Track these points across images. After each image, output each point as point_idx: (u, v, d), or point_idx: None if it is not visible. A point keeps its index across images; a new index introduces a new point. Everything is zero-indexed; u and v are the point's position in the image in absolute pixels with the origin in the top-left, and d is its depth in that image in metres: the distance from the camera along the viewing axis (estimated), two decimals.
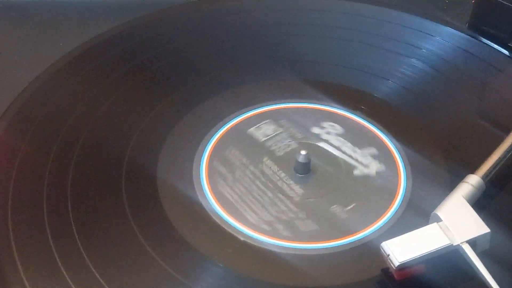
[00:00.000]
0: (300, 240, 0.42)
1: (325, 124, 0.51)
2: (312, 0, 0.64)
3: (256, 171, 0.47)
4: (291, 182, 0.46)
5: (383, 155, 0.48)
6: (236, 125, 0.50)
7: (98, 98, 0.51)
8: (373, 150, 0.49)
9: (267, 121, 0.51)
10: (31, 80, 0.52)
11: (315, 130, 0.50)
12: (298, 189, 0.45)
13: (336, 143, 0.49)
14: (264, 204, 0.44)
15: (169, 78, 0.54)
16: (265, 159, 0.48)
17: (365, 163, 0.47)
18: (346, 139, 0.49)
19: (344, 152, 0.48)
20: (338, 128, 0.50)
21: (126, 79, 0.53)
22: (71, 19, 0.63)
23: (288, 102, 0.52)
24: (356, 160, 0.48)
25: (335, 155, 0.48)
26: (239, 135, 0.49)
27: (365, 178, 0.46)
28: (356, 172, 0.47)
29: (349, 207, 0.44)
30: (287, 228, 0.43)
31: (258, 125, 0.50)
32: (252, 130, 0.50)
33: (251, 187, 0.45)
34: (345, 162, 0.47)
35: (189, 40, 0.58)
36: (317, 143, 0.49)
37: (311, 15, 0.62)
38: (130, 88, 0.52)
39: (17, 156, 0.46)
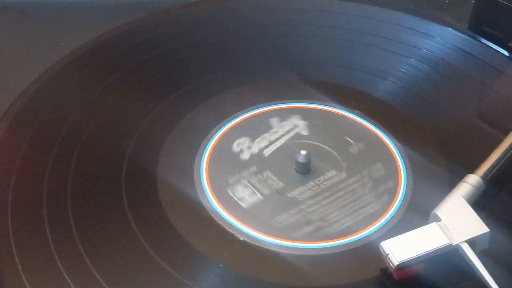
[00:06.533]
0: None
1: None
2: (312, 1, 0.64)
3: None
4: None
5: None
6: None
7: (98, 98, 0.51)
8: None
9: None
10: (31, 80, 0.52)
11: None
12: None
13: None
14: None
15: (169, 78, 0.54)
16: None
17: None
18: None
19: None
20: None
21: (126, 80, 0.53)
22: (71, 19, 0.63)
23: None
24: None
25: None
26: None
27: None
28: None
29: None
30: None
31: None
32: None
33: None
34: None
35: (189, 40, 0.58)
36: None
37: (311, 15, 0.62)
38: (130, 89, 0.52)
39: (17, 157, 0.46)
